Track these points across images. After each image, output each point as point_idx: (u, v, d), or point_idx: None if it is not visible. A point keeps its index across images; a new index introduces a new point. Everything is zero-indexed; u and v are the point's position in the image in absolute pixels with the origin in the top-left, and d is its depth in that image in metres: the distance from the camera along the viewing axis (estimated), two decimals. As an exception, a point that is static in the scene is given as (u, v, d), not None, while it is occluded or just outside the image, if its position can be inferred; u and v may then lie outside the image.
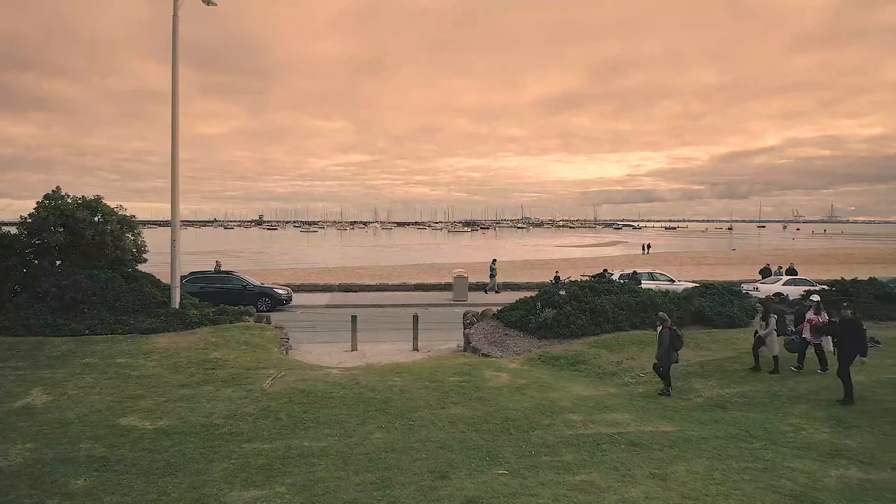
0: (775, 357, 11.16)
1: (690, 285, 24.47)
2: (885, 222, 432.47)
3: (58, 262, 14.10)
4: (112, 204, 14.89)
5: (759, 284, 24.35)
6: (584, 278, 26.75)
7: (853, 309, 10.32)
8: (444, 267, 47.46)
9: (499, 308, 16.44)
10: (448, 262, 54.49)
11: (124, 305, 13.34)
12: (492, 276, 27.79)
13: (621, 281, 23.84)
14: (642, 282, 22.62)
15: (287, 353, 13.01)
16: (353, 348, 14.79)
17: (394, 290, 27.83)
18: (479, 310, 20.88)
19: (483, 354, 12.48)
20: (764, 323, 11.32)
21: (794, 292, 23.69)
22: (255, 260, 63.14)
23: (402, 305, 23.71)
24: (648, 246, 72.26)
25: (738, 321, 14.04)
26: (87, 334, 12.38)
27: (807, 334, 11.27)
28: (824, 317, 11.28)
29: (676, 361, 10.59)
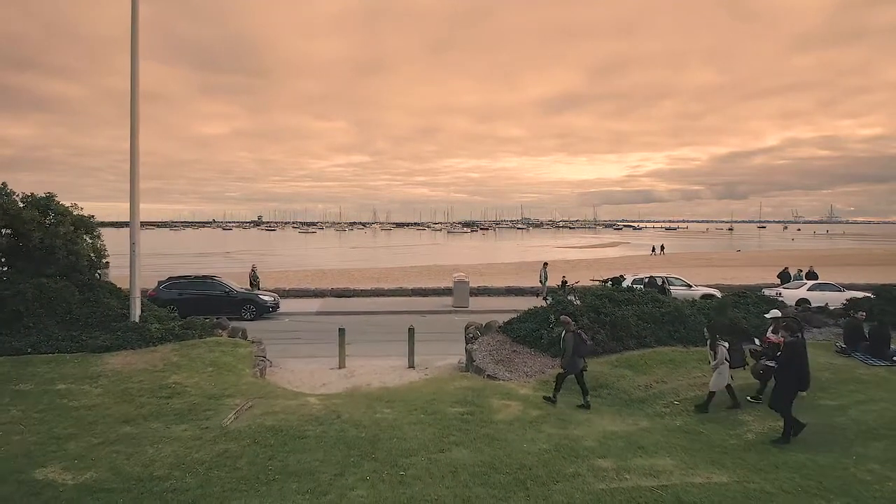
0: (710, 393, 9.22)
1: (708, 291, 22.82)
2: (884, 222, 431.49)
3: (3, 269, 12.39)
4: (66, 202, 13.17)
5: (781, 290, 22.65)
6: (595, 283, 25.14)
7: (795, 329, 8.67)
8: (443, 269, 45.81)
9: (505, 319, 14.81)
10: (447, 264, 52.84)
11: (76, 319, 11.63)
12: (542, 281, 25.21)
13: (633, 286, 22.25)
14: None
15: (262, 374, 11.30)
16: (341, 365, 13.10)
17: (390, 296, 26.15)
18: (482, 319, 19.15)
19: (488, 376, 10.79)
20: (712, 353, 9.36)
21: (819, 298, 22.01)
22: (249, 261, 61.43)
23: (399, 312, 22.06)
24: (662, 247, 70.57)
25: (779, 335, 12.33)
26: (28, 353, 10.65)
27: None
28: (782, 336, 9.66)
29: (585, 369, 9.49)
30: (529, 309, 13.07)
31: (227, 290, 20.47)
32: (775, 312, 10.66)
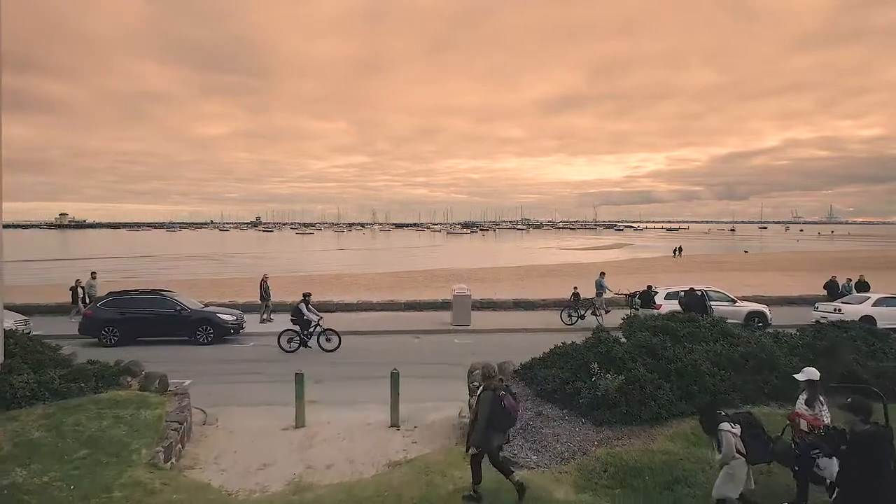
0: (719, 502, 5.78)
1: (755, 307, 19.24)
2: (883, 223, 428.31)
3: None
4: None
5: (839, 304, 19.09)
6: (621, 296, 21.61)
7: (864, 410, 5.06)
8: (441, 274, 42.38)
9: (514, 340, 11.35)
10: (446, 268, 49.40)
11: None
12: (599, 293, 20.58)
13: (670, 301, 18.70)
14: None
15: (175, 451, 7.73)
16: (298, 423, 9.59)
17: (379, 310, 22.62)
18: (487, 340, 15.84)
19: (504, 458, 7.26)
20: (715, 441, 5.85)
21: (888, 316, 18.46)
22: (235, 265, 57.94)
23: (388, 332, 18.57)
24: (680, 249, 66.95)
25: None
26: None
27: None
28: (824, 413, 6.04)
29: (501, 447, 6.44)
30: (556, 347, 9.52)
31: (178, 307, 16.95)
32: (811, 372, 6.40)
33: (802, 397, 6.34)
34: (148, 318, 16.73)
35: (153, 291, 17.62)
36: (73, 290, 20.21)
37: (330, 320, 20.56)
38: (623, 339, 9.40)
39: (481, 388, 6.53)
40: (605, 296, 20.34)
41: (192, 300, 18.04)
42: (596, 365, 8.02)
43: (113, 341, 16.40)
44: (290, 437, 9.14)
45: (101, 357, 14.94)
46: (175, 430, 7.87)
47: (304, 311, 15.90)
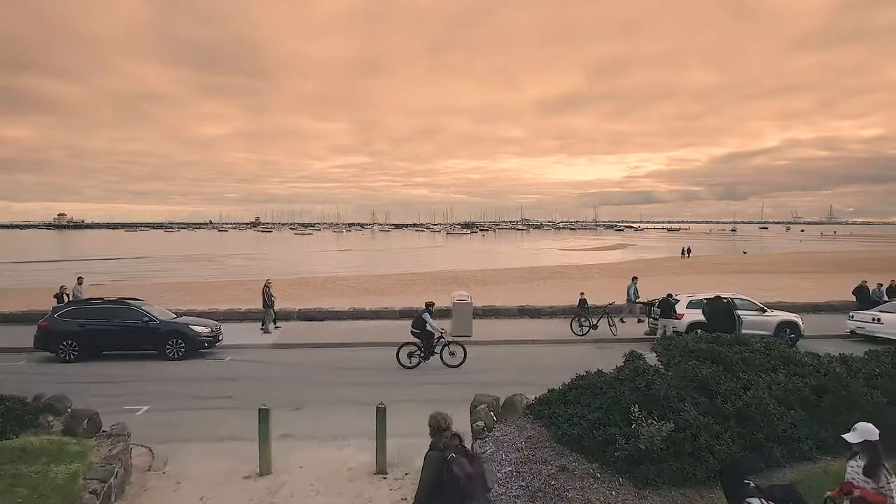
0: None
1: (787, 317, 17.40)
2: (884, 223, 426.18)
3: None
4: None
5: (879, 315, 17.29)
6: (640, 303, 19.83)
7: None
8: (440, 277, 40.70)
9: (521, 352, 9.61)
10: (446, 270, 47.71)
11: None
12: (630, 300, 19.55)
13: (693, 310, 16.94)
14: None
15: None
16: (263, 471, 7.84)
17: (372, 318, 20.86)
18: (490, 354, 14.25)
19: (518, 534, 5.52)
20: None
21: (933, 326, 16.77)
22: (227, 266, 56.25)
23: (380, 345, 16.72)
24: (689, 250, 65.08)
25: None
26: None
27: None
28: (892, 487, 4.22)
29: None
30: (579, 378, 7.74)
31: (147, 318, 15.19)
32: (866, 430, 4.44)
33: (857, 462, 4.44)
34: (112, 329, 15.02)
35: (119, 300, 15.87)
36: (59, 296, 18.58)
37: (315, 331, 18.85)
38: (660, 366, 7.64)
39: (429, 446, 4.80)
40: (637, 301, 19.04)
41: (162, 310, 16.29)
42: (636, 408, 6.25)
43: (72, 356, 14.70)
44: (251, 490, 7.37)
45: (59, 374, 13.41)
46: (94, 492, 6.08)
47: (428, 321, 14.29)
